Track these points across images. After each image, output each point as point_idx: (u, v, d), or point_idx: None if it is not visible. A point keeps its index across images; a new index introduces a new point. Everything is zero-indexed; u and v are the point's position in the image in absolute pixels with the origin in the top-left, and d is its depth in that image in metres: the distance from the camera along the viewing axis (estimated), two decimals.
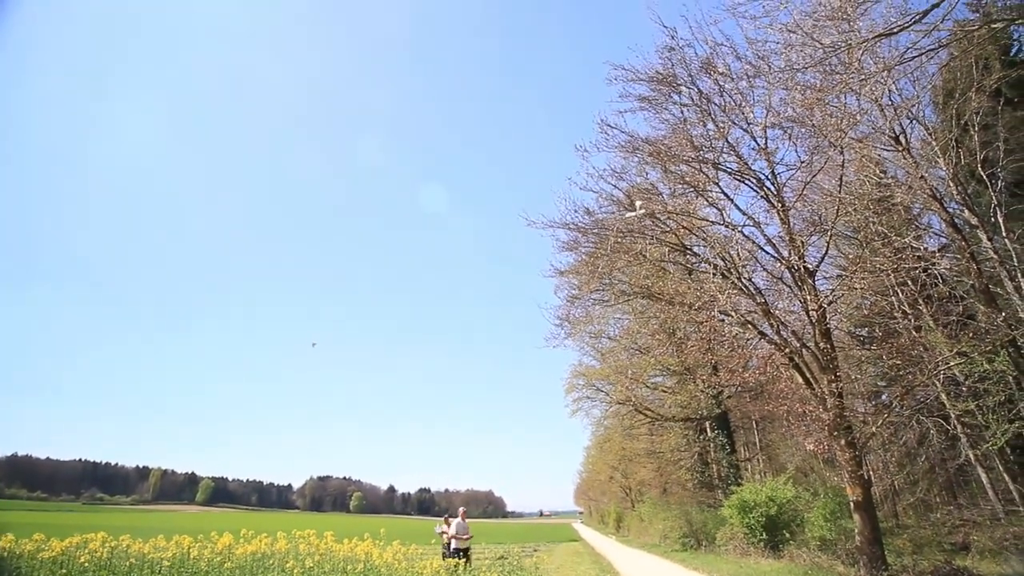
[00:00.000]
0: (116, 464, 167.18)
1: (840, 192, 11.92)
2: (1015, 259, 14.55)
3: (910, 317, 17.40)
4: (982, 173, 15.05)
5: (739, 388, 23.26)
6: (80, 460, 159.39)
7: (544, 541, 35.17)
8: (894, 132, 14.64)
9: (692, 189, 11.73)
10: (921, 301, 18.25)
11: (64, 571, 5.19)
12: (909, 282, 17.95)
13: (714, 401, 24.16)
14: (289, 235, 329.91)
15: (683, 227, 11.04)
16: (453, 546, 11.34)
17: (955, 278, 18.01)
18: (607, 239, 11.47)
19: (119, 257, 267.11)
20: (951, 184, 15.39)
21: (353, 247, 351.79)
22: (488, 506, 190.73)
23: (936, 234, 18.59)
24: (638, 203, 10.64)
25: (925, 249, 16.19)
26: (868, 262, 11.72)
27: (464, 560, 10.48)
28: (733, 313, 11.42)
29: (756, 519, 16.50)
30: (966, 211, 15.27)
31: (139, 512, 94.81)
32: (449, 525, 17.37)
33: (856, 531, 10.22)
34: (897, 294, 17.69)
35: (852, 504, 10.23)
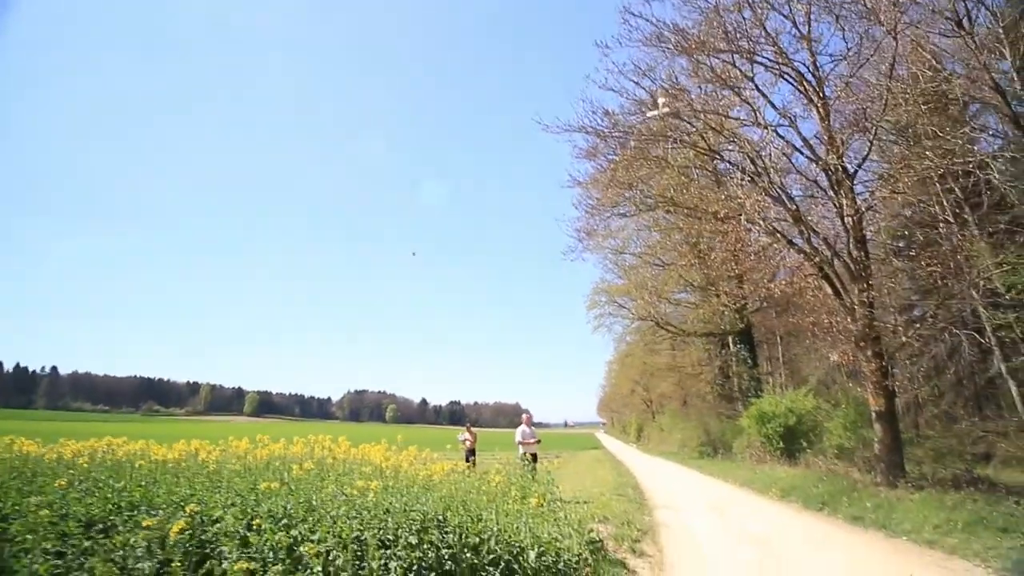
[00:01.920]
0: (168, 380, 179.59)
1: (889, 84, 10.70)
2: None
3: (953, 225, 16.38)
4: None
5: (764, 302, 22.78)
6: (135, 376, 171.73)
7: (568, 449, 36.80)
8: (957, 15, 12.93)
9: (723, 85, 10.67)
10: (967, 209, 17.09)
11: (72, 471, 5.42)
12: (956, 189, 16.72)
13: (737, 316, 23.84)
14: (327, 156, 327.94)
15: (711, 127, 10.14)
16: (521, 451, 11.38)
17: (1007, 183, 16.66)
18: (628, 144, 10.70)
19: (170, 187, 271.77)
20: (1015, 76, 13.83)
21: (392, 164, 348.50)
22: (515, 417, 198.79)
23: (992, 135, 17.01)
24: (661, 100, 9.74)
25: (978, 151, 14.83)
26: (915, 163, 10.70)
27: (532, 464, 10.29)
28: (761, 221, 10.76)
29: (774, 429, 16.67)
30: None
31: (193, 422, 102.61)
32: (471, 435, 18.18)
33: (876, 440, 10.12)
34: (942, 201, 16.57)
35: (874, 414, 10.06)
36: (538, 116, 10.95)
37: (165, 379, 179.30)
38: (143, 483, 4.82)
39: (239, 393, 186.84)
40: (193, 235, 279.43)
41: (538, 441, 11.66)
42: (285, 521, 3.97)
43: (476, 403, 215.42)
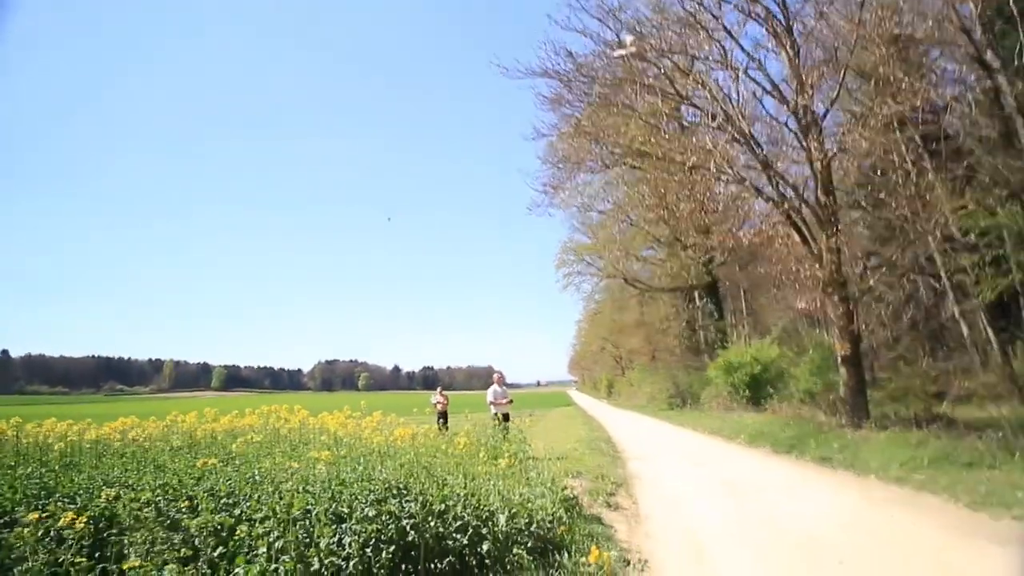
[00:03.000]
0: (129, 358, 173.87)
1: (857, 27, 10.38)
2: None
3: (911, 173, 16.62)
4: (1013, 8, 13.32)
5: (731, 253, 22.96)
6: (93, 356, 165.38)
7: (540, 407, 37.24)
8: None
9: (691, 25, 10.16)
10: (926, 156, 17.33)
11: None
12: (916, 137, 16.88)
13: (704, 269, 24.04)
14: (289, 120, 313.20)
15: (680, 69, 9.68)
16: (493, 411, 10.94)
17: (966, 130, 16.90)
18: (593, 90, 10.16)
19: (117, 152, 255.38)
20: (976, 22, 13.80)
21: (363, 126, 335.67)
22: (488, 379, 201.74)
23: (954, 81, 17.12)
24: (628, 38, 9.19)
25: (942, 93, 14.89)
26: (879, 108, 10.54)
27: (504, 424, 9.93)
28: (730, 170, 10.49)
29: (740, 378, 17.02)
30: (989, 52, 13.85)
31: (158, 400, 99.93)
32: (443, 397, 17.96)
33: (842, 383, 10.30)
34: (902, 149, 16.74)
35: (840, 358, 10.19)
36: (496, 59, 10.19)
37: (126, 358, 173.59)
38: (56, 467, 4.30)
39: (205, 368, 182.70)
40: (142, 202, 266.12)
41: (510, 401, 11.30)
42: (226, 500, 3.57)
43: (449, 367, 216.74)
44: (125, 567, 2.32)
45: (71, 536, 2.42)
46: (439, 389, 18.10)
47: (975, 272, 15.07)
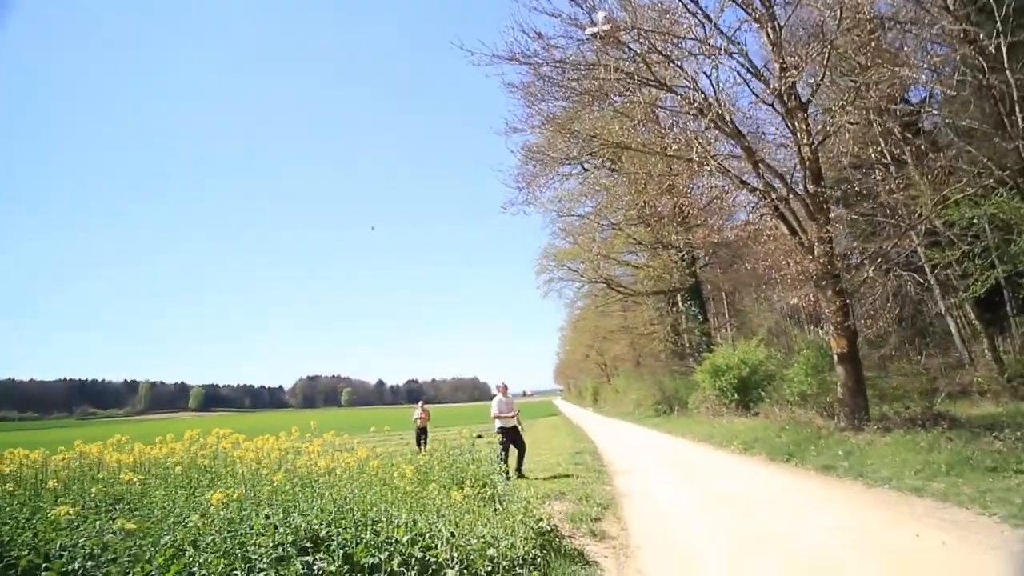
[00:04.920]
0: (103, 380, 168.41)
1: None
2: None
3: (891, 168, 16.34)
4: None
5: (714, 252, 22.49)
6: (65, 379, 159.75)
7: (526, 418, 36.37)
8: None
9: (666, 8, 9.56)
10: (907, 151, 17.07)
11: None
12: (896, 130, 16.61)
13: (687, 271, 23.54)
14: (268, 141, 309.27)
15: (657, 50, 9.04)
16: (498, 426, 9.42)
17: (947, 119, 16.67)
18: (566, 74, 9.46)
19: (89, 168, 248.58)
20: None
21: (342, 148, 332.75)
22: (474, 391, 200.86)
23: (932, 70, 16.93)
24: (601, 15, 8.53)
25: (924, 79, 14.60)
26: (866, 91, 10.04)
27: (504, 452, 8.53)
28: (712, 159, 9.87)
29: (728, 381, 16.38)
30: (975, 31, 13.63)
31: (132, 423, 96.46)
32: (424, 412, 16.91)
33: (839, 383, 9.66)
34: (880, 143, 16.50)
35: (836, 356, 9.55)
36: (460, 41, 9.30)
37: (100, 380, 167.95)
38: None
39: (183, 388, 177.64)
40: (116, 219, 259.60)
41: (516, 413, 9.35)
42: (83, 560, 2.68)
43: (434, 380, 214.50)
44: None
45: None
46: (420, 403, 17.12)
47: (963, 266, 14.68)
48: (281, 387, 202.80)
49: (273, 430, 5.89)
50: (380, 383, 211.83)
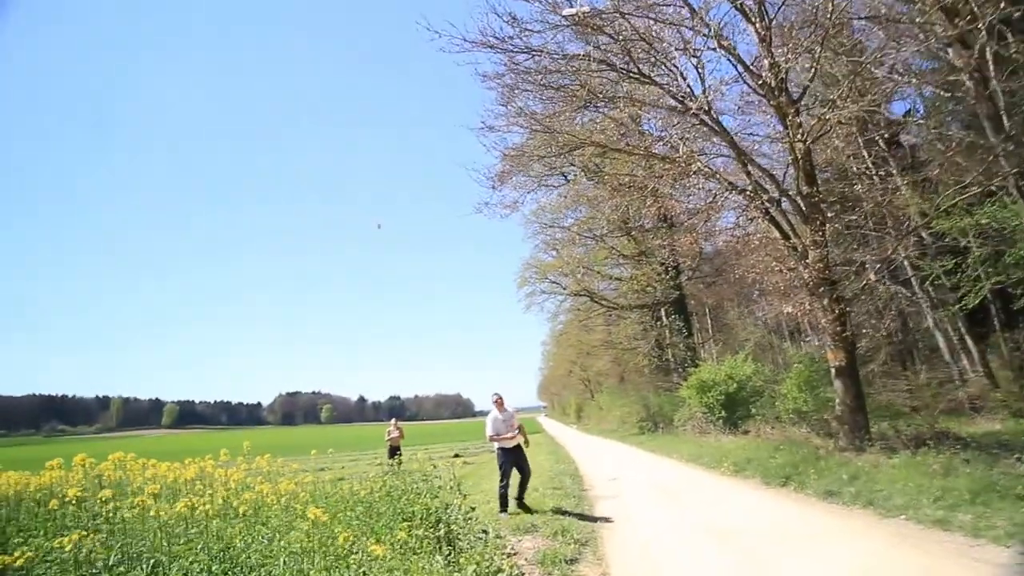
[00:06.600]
0: (73, 396, 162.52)
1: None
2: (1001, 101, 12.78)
3: (875, 178, 16.07)
4: (974, 6, 12.88)
5: (698, 267, 22.01)
6: (34, 395, 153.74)
7: None
8: None
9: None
10: (892, 161, 16.83)
11: None
12: (880, 141, 16.37)
13: (672, 284, 22.97)
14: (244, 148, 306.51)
15: (641, 37, 8.43)
16: (497, 448, 7.39)
17: (925, 137, 16.47)
18: (542, 64, 8.81)
19: (63, 177, 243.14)
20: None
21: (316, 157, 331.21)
22: (457, 407, 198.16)
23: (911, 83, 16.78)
24: None
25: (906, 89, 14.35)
26: (855, 90, 9.55)
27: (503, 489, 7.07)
28: (699, 159, 9.26)
29: (715, 397, 15.68)
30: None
31: (101, 440, 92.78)
32: (397, 429, 15.89)
33: (837, 399, 8.95)
34: (863, 153, 16.31)
35: (834, 370, 8.85)
36: (425, 21, 8.38)
37: (70, 395, 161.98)
38: None
39: (156, 405, 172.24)
40: (88, 229, 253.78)
41: (519, 429, 7.48)
42: None
43: (417, 396, 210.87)
44: None
45: None
46: (394, 421, 16.15)
47: (955, 278, 14.24)
48: (260, 403, 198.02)
49: (250, 449, 5.01)
50: (361, 399, 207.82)
